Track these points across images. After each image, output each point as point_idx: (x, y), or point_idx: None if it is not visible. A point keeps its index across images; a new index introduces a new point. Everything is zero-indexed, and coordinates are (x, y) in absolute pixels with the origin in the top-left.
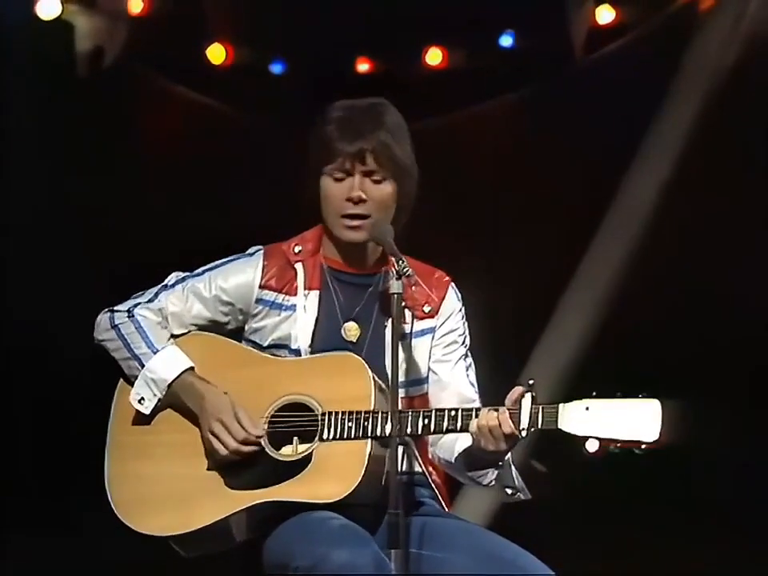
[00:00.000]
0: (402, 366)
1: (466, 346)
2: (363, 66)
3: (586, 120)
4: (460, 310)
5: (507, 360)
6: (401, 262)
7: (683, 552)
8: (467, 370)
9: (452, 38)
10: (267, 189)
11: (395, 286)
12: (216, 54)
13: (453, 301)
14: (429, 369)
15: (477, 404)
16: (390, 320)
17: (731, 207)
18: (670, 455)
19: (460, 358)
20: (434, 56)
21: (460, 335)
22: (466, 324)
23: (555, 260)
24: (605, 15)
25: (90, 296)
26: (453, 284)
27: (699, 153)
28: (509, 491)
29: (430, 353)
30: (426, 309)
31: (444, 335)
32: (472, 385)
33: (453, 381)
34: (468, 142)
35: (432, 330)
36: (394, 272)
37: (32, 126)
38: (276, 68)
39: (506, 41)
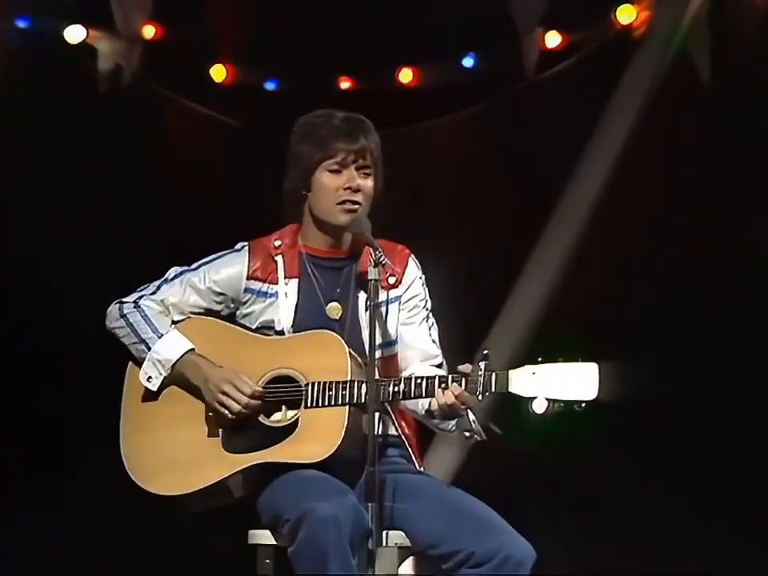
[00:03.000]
0: (377, 332)
1: (427, 309)
2: (345, 84)
3: (536, 130)
4: (420, 278)
5: (470, 327)
6: (378, 252)
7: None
8: (430, 329)
9: (421, 60)
10: (261, 190)
11: (373, 273)
12: (218, 73)
13: (413, 270)
14: (397, 330)
15: (439, 359)
16: (365, 297)
17: (661, 203)
18: (608, 409)
19: (423, 320)
20: (405, 75)
21: (421, 300)
22: (427, 289)
23: (511, 246)
24: (552, 40)
25: (107, 288)
26: (412, 255)
27: (634, 157)
28: (467, 434)
29: (398, 317)
30: (391, 280)
31: (408, 300)
32: (434, 342)
33: (417, 340)
34: (434, 148)
35: (398, 298)
36: (372, 261)
37: (58, 135)
38: (270, 85)
39: (468, 62)
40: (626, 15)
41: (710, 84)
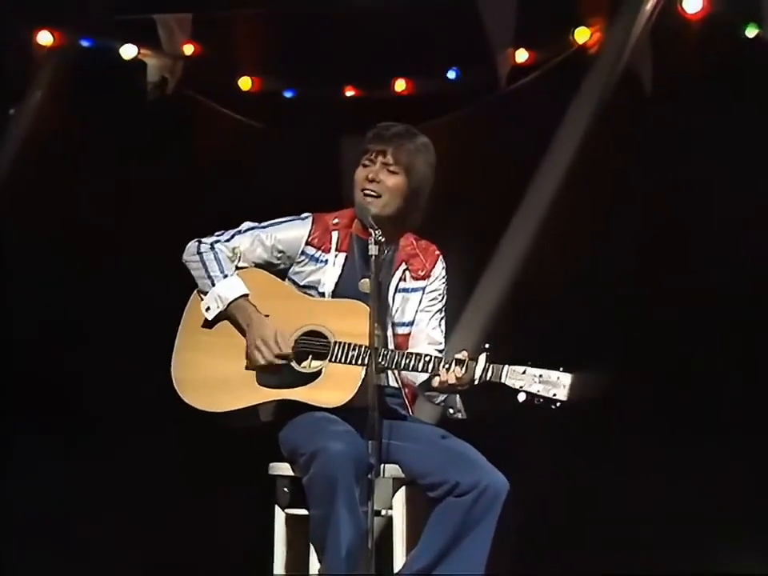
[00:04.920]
0: (398, 312)
1: (443, 303)
2: (350, 92)
3: (508, 132)
4: (444, 276)
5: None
6: (377, 232)
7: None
8: (440, 321)
9: (413, 72)
10: (280, 181)
11: (372, 250)
12: (245, 83)
13: (439, 269)
14: (415, 316)
15: (442, 346)
16: (392, 277)
17: (611, 199)
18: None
19: (437, 311)
20: (400, 85)
21: (440, 294)
22: (446, 287)
23: (482, 238)
24: (521, 56)
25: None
26: (441, 256)
27: (588, 157)
28: (451, 411)
29: (419, 304)
30: (421, 273)
31: (430, 292)
32: (442, 332)
33: (429, 326)
34: None
35: (423, 289)
36: (372, 240)
37: (112, 135)
38: (288, 93)
39: (452, 74)
40: (582, 36)
41: (652, 94)
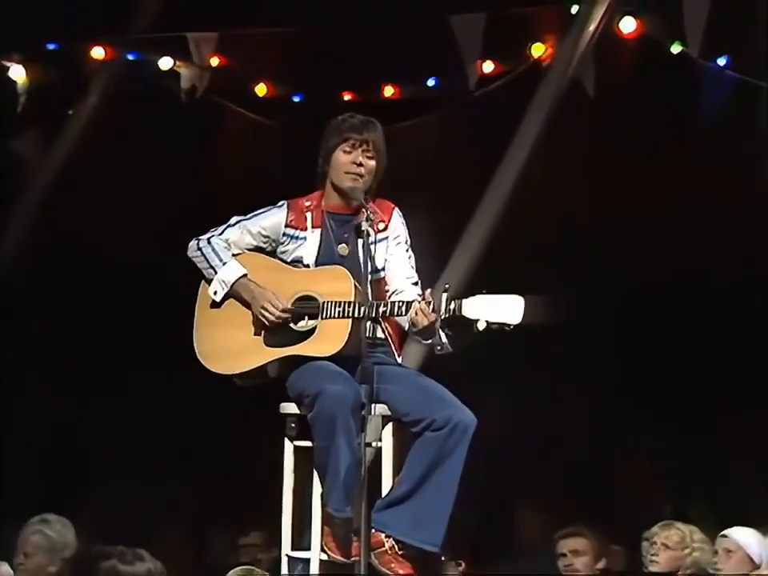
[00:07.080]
0: (370, 262)
1: (407, 244)
2: (347, 97)
3: (477, 130)
4: (402, 223)
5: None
6: (369, 211)
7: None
8: (409, 259)
9: (399, 80)
10: (291, 171)
11: (365, 225)
12: (261, 89)
13: (396, 218)
14: (385, 260)
15: (415, 278)
16: (363, 241)
17: (563, 182)
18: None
19: (404, 251)
20: (388, 90)
21: (403, 237)
22: (407, 231)
23: (457, 212)
24: (488, 67)
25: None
26: (396, 208)
27: (542, 148)
28: (439, 348)
29: (386, 251)
30: (381, 226)
31: (393, 239)
32: (412, 267)
33: (399, 266)
34: (408, 141)
35: (386, 239)
36: (364, 217)
37: (152, 131)
38: (297, 98)
39: (431, 82)
40: (537, 50)
41: (594, 98)
